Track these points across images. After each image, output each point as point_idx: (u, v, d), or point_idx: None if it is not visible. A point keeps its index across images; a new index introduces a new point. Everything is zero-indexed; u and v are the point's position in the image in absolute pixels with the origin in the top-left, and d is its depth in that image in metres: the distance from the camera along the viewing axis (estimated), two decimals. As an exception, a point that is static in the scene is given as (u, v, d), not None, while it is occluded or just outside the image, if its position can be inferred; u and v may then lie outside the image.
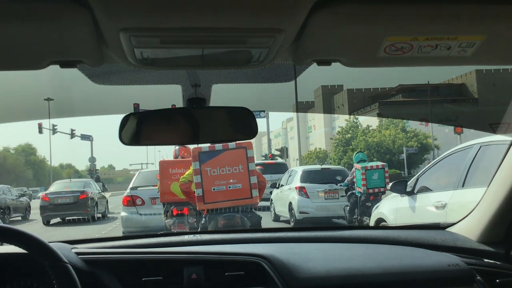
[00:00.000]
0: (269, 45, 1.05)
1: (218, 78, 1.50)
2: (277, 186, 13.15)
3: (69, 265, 1.37)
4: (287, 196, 12.15)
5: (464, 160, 5.22)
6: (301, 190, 11.64)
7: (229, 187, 5.66)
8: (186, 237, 2.01)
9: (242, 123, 1.43)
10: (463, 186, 5.06)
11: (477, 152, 5.03)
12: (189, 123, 1.41)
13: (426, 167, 6.42)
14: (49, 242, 1.56)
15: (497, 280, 1.70)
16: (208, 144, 5.84)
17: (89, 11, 0.91)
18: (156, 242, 1.93)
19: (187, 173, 6.08)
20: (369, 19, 0.99)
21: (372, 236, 2.06)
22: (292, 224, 11.59)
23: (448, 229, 2.06)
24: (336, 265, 1.68)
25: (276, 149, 32.10)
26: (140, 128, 1.39)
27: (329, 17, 0.97)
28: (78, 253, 1.65)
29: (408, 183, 6.24)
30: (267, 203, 13.58)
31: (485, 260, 1.80)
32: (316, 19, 0.97)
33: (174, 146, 7.62)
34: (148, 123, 1.40)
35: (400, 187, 6.13)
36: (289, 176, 12.85)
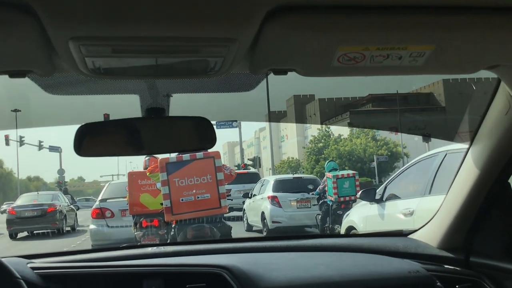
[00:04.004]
0: (224, 54, 1.05)
1: (176, 87, 1.49)
2: (249, 196, 13.13)
3: (21, 281, 1.33)
4: (259, 205, 12.14)
5: (431, 168, 5.33)
6: (273, 199, 11.65)
7: (198, 197, 5.61)
8: (149, 250, 1.98)
9: (200, 133, 1.42)
10: (429, 193, 5.16)
11: (443, 160, 5.14)
12: (146, 133, 1.40)
13: (394, 175, 6.53)
14: (4, 257, 1.51)
15: (457, 286, 1.73)
16: (176, 155, 5.79)
17: (36, 20, 0.89)
18: (117, 255, 1.89)
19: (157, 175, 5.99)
20: (321, 29, 1.00)
21: (336, 244, 2.07)
22: (264, 233, 11.57)
23: (410, 236, 2.09)
24: (299, 274, 1.68)
25: (248, 159, 32.12)
26: (96, 139, 1.37)
27: (282, 26, 0.98)
28: (34, 268, 1.60)
29: (377, 191, 6.32)
30: (239, 213, 13.54)
31: (446, 266, 1.83)
32: (269, 28, 0.97)
33: (144, 156, 7.54)
34: (104, 134, 1.37)
35: (369, 195, 6.21)
36: (262, 186, 12.85)
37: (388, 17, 0.99)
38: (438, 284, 1.69)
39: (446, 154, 5.12)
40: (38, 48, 0.99)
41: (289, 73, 1.19)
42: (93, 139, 1.36)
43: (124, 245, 2.10)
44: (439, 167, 5.14)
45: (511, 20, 1.02)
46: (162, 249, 1.98)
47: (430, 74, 1.23)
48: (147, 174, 6.24)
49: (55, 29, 0.92)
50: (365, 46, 1.05)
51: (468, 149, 1.77)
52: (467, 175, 1.76)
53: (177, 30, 0.96)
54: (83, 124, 1.33)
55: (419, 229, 2.07)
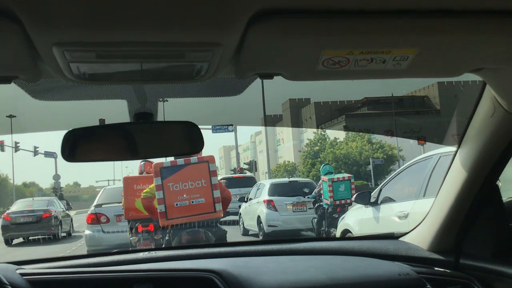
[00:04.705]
0: (209, 59, 1.05)
1: (164, 92, 1.49)
2: (245, 200, 13.12)
3: (9, 287, 1.33)
4: (255, 209, 12.14)
5: (425, 170, 5.34)
6: (269, 203, 11.65)
7: (192, 202, 5.59)
8: (140, 255, 1.97)
9: (187, 137, 1.42)
10: (424, 195, 5.17)
11: (437, 162, 5.16)
12: (134, 138, 1.40)
13: (388, 178, 6.54)
14: None
15: None
16: (170, 159, 5.77)
17: (20, 26, 0.89)
18: (108, 261, 1.89)
19: (149, 187, 5.98)
20: (305, 33, 1.00)
21: (328, 247, 2.07)
22: (261, 237, 11.56)
23: (401, 239, 2.09)
24: (289, 277, 1.68)
25: (244, 163, 32.06)
26: (83, 144, 1.37)
27: (266, 31, 0.98)
28: (23, 274, 1.59)
29: (372, 194, 6.33)
30: (236, 217, 13.52)
31: (436, 268, 1.83)
32: (253, 33, 0.98)
33: (139, 161, 7.52)
34: (91, 139, 1.37)
35: (364, 198, 6.21)
36: (257, 190, 12.85)
37: (371, 22, 0.99)
38: (428, 286, 1.69)
39: (440, 157, 5.14)
40: (22, 54, 0.99)
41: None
42: (80, 145, 1.36)
43: (115, 250, 2.09)
44: (433, 169, 5.15)
45: (494, 23, 1.03)
46: (154, 254, 1.97)
47: (415, 78, 1.24)
48: (142, 195, 6.20)
49: (38, 35, 0.92)
50: (349, 50, 1.06)
51: (456, 151, 1.77)
52: (456, 177, 1.77)
53: (161, 35, 0.96)
54: (70, 129, 1.33)
55: (409, 231, 2.08)
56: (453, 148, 5.12)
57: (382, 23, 1.00)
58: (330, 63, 1.10)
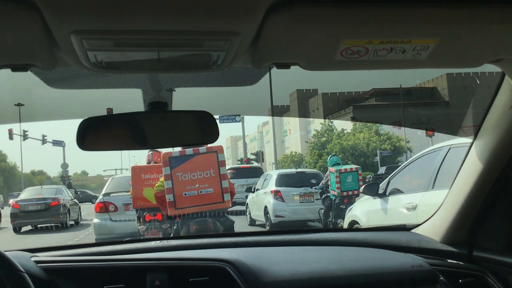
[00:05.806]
0: (226, 48, 1.04)
1: (179, 81, 1.48)
2: (252, 190, 13.15)
3: (25, 274, 1.34)
4: (262, 200, 12.16)
5: (434, 162, 5.31)
6: (276, 194, 11.66)
7: (201, 191, 5.61)
8: (152, 243, 1.98)
9: (203, 127, 1.42)
10: (433, 187, 5.15)
11: (446, 154, 5.13)
12: (149, 127, 1.39)
13: (397, 169, 6.51)
14: (7, 251, 1.52)
15: (460, 280, 1.72)
16: (179, 149, 5.79)
17: (37, 13, 0.89)
18: (120, 249, 1.90)
19: (160, 180, 6.01)
20: (324, 22, 0.99)
21: (339, 238, 2.07)
22: (267, 228, 11.60)
23: (413, 230, 2.08)
24: (301, 268, 1.68)
25: (251, 153, 32.11)
26: (99, 133, 1.37)
27: (284, 20, 0.97)
28: (37, 262, 1.60)
29: (380, 185, 6.31)
30: (242, 207, 13.56)
31: (449, 260, 1.82)
32: (271, 22, 0.97)
33: (147, 151, 7.55)
34: (107, 128, 1.37)
35: (372, 190, 6.20)
36: (265, 180, 12.87)
37: (392, 10, 0.98)
38: (441, 278, 1.69)
39: (449, 149, 5.11)
40: (40, 41, 0.98)
41: (292, 67, 1.18)
42: (96, 133, 1.36)
43: (127, 239, 2.11)
44: (442, 161, 5.12)
45: None
46: (166, 243, 1.98)
47: (433, 68, 1.22)
48: (155, 189, 6.22)
49: (57, 23, 0.92)
50: (368, 39, 1.04)
51: (472, 143, 1.76)
52: (471, 169, 1.75)
53: (180, 24, 0.95)
54: (86, 118, 1.33)
55: (422, 223, 2.07)
56: (462, 140, 5.08)
57: (404, 12, 0.98)
58: (348, 53, 1.08)
